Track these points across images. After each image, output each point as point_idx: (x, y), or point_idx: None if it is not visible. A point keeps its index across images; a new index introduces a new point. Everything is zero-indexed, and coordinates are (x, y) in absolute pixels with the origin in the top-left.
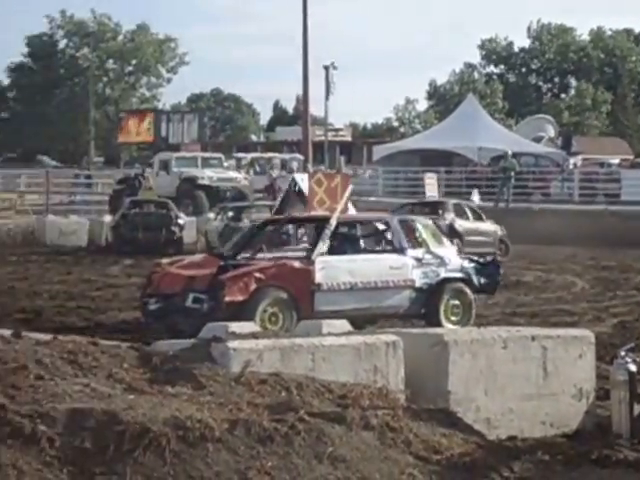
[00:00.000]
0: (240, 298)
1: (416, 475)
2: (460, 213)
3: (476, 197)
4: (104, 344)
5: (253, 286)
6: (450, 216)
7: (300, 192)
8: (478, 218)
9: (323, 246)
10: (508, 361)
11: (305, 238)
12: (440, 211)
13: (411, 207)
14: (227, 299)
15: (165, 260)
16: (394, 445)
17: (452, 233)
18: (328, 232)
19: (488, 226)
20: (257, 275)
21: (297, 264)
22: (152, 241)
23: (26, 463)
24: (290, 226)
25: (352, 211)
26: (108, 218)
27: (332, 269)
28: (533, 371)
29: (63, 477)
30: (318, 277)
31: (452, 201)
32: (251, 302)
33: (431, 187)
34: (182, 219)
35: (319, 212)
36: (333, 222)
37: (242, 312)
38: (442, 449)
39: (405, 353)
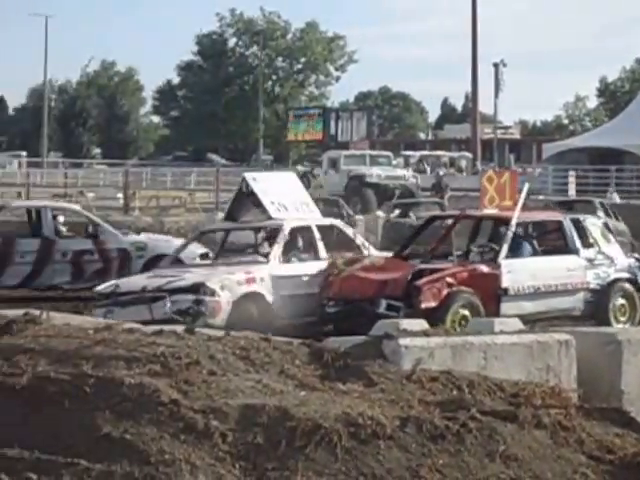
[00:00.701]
0: (434, 304)
1: (589, 475)
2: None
3: (614, 195)
4: (276, 340)
5: (445, 291)
6: (602, 214)
7: (252, 193)
8: (616, 218)
9: (507, 248)
10: None
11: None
12: (575, 209)
13: (552, 206)
14: (423, 306)
15: (340, 260)
16: (566, 444)
17: None
18: (510, 234)
19: (623, 226)
20: (449, 280)
21: (485, 268)
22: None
23: (199, 458)
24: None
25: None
26: None
27: (517, 272)
28: None
29: (235, 472)
30: (504, 281)
31: (597, 200)
32: (443, 307)
33: (572, 185)
34: (354, 217)
35: (489, 210)
36: (514, 223)
37: (433, 317)
38: (615, 449)
39: (577, 352)
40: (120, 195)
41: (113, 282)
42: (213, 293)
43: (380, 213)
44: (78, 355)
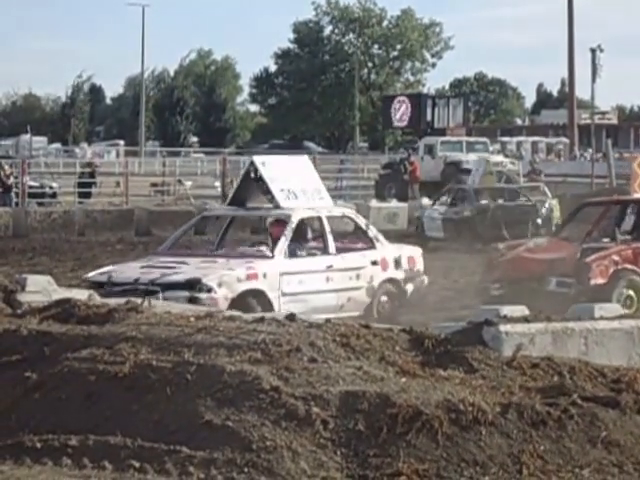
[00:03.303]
0: (602, 281)
1: None
2: None
3: None
4: (376, 327)
5: (612, 269)
6: None
7: (260, 179)
8: None
9: None
10: None
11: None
12: None
13: None
14: (592, 282)
15: (502, 245)
16: None
17: None
18: None
19: None
20: (615, 258)
21: None
22: (517, 238)
23: (300, 445)
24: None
25: None
26: (375, 203)
27: None
28: None
29: (336, 459)
30: None
31: None
32: (609, 285)
33: None
34: (544, 208)
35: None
36: None
37: (601, 295)
38: None
39: None
40: (218, 183)
41: (106, 270)
42: (210, 290)
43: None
44: (179, 343)
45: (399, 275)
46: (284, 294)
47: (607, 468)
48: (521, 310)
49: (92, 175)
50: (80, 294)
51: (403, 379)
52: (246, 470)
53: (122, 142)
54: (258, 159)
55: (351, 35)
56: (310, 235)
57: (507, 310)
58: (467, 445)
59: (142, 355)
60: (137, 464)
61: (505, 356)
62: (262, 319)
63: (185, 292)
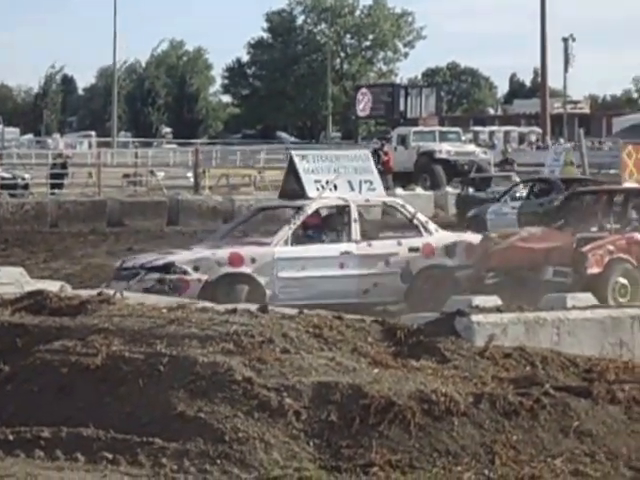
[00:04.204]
0: (597, 270)
1: None
2: None
3: None
4: (349, 318)
5: (607, 258)
6: None
7: (296, 174)
8: None
9: None
10: None
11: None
12: None
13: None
14: (589, 272)
15: (494, 234)
16: None
17: None
18: None
19: None
20: (609, 247)
21: None
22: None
23: (273, 436)
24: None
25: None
26: None
27: None
28: None
29: (309, 450)
30: None
31: None
32: (605, 274)
33: None
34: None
35: (629, 183)
36: None
37: (596, 284)
38: None
39: None
40: (190, 174)
41: (132, 256)
42: (185, 272)
43: (449, 189)
44: (152, 334)
45: (449, 262)
46: (280, 278)
47: (579, 458)
48: (493, 300)
49: (64, 166)
50: (52, 286)
51: (375, 370)
52: (219, 461)
53: (93, 133)
54: (298, 153)
55: (323, 25)
56: (335, 223)
57: (479, 300)
58: (440, 435)
59: (114, 347)
60: (110, 456)
61: (477, 346)
62: (234, 310)
63: (157, 274)
